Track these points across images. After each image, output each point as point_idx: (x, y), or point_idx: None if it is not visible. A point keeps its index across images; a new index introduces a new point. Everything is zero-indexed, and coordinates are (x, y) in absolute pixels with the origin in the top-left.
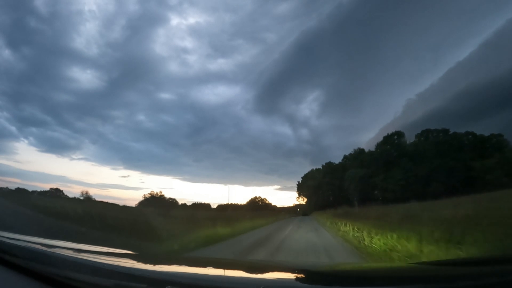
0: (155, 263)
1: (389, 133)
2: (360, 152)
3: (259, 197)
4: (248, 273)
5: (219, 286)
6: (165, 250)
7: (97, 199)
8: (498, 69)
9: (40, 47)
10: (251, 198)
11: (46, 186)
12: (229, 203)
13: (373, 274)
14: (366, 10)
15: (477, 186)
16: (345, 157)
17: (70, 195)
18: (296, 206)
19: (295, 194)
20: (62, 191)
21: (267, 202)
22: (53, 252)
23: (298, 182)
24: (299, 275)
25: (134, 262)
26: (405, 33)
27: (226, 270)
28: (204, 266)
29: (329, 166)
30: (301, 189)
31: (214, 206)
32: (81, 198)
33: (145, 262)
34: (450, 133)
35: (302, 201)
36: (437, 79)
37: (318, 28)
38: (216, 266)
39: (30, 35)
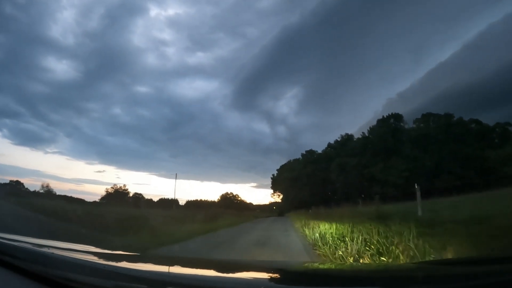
0: (155, 264)
1: (385, 116)
2: (348, 138)
3: (231, 193)
4: (249, 273)
5: (220, 287)
6: None
7: (72, 194)
8: (481, 71)
9: (15, 35)
10: (222, 194)
11: (21, 181)
12: (174, 198)
13: (373, 274)
14: (349, 8)
15: (493, 180)
16: (329, 145)
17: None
18: (272, 204)
19: (271, 191)
20: (22, 183)
21: (239, 198)
22: (52, 253)
23: (273, 175)
24: (299, 275)
25: (135, 263)
26: (387, 33)
27: (226, 271)
28: (205, 267)
29: (310, 154)
30: (276, 184)
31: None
32: (42, 191)
33: (146, 263)
34: (454, 118)
35: (278, 198)
36: (418, 79)
37: (300, 24)
38: (217, 266)
39: (5, 21)
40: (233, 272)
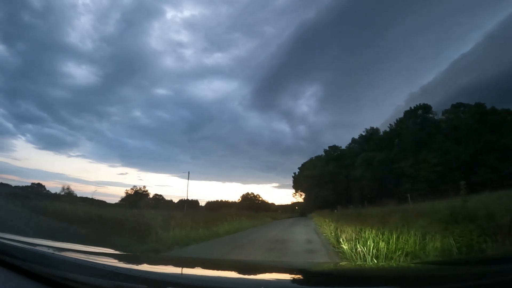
0: (155, 264)
1: (412, 107)
2: (373, 132)
3: (252, 193)
4: (248, 273)
5: (220, 287)
6: None
7: (95, 196)
8: (505, 61)
9: (35, 42)
10: (243, 195)
11: (45, 184)
12: (188, 198)
13: (373, 274)
14: (366, 2)
15: None
16: (353, 140)
17: (61, 192)
18: (294, 204)
19: (293, 191)
20: (44, 186)
21: (260, 199)
22: (53, 253)
23: (294, 174)
24: (299, 276)
25: (135, 263)
26: (406, 25)
27: (226, 271)
28: (205, 267)
29: (333, 150)
30: (298, 183)
31: (203, 203)
32: (63, 193)
33: (146, 263)
34: (487, 109)
35: (300, 197)
36: (440, 72)
37: (317, 21)
38: (217, 266)
39: (24, 29)
40: (234, 272)
